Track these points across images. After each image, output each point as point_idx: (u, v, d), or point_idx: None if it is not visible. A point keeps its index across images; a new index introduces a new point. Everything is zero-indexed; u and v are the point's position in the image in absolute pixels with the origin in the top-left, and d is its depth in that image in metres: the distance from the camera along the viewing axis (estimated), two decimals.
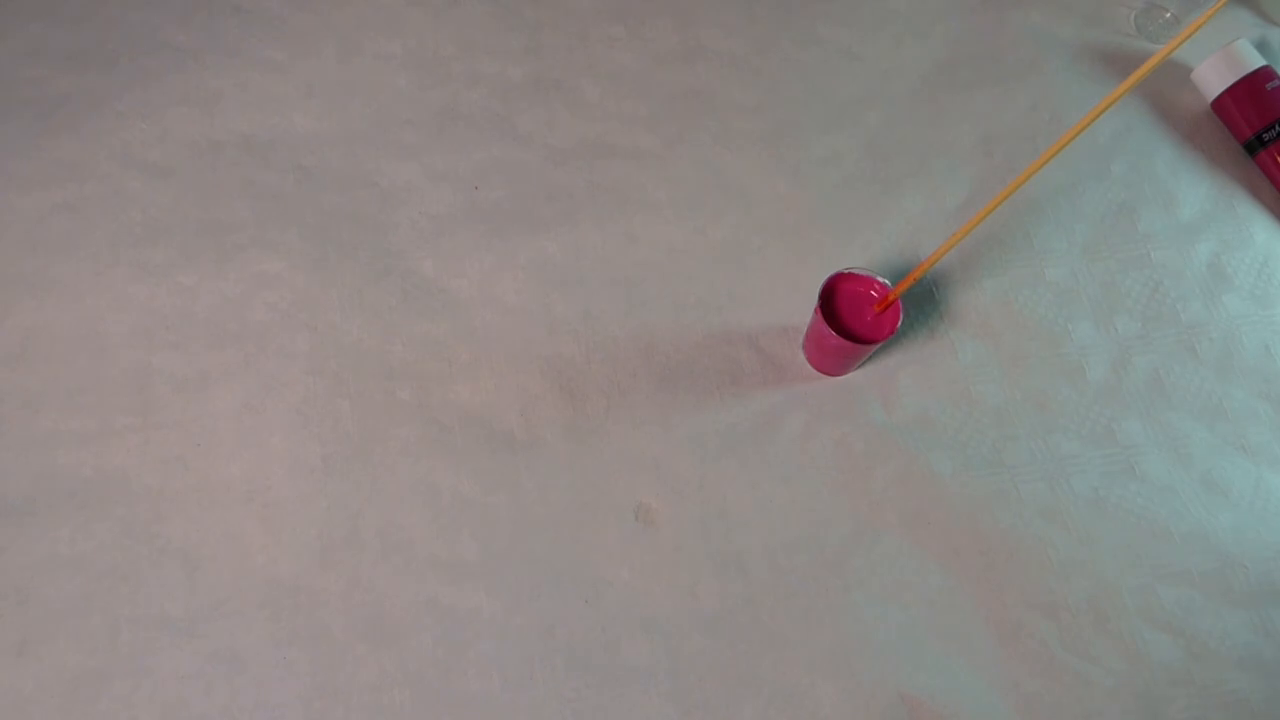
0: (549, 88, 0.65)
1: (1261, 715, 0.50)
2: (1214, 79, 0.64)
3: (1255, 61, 0.63)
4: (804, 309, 0.58)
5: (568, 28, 0.67)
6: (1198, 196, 0.63)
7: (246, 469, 0.53)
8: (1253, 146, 0.63)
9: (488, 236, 0.60)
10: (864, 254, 0.60)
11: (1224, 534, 0.54)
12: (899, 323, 0.50)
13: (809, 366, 0.57)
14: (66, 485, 0.53)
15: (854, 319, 0.51)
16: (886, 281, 0.51)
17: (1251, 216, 0.63)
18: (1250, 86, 0.62)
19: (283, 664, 0.49)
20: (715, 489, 0.54)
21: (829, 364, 0.55)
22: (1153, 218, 0.62)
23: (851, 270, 0.51)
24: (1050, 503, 0.54)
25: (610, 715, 0.49)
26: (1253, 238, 0.62)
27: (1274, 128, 0.62)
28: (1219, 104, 0.64)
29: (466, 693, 0.49)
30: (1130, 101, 0.66)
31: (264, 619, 0.50)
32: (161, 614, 0.50)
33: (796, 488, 0.54)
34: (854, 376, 0.57)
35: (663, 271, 0.59)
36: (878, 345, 0.51)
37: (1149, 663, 0.51)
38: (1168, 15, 0.67)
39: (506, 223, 0.60)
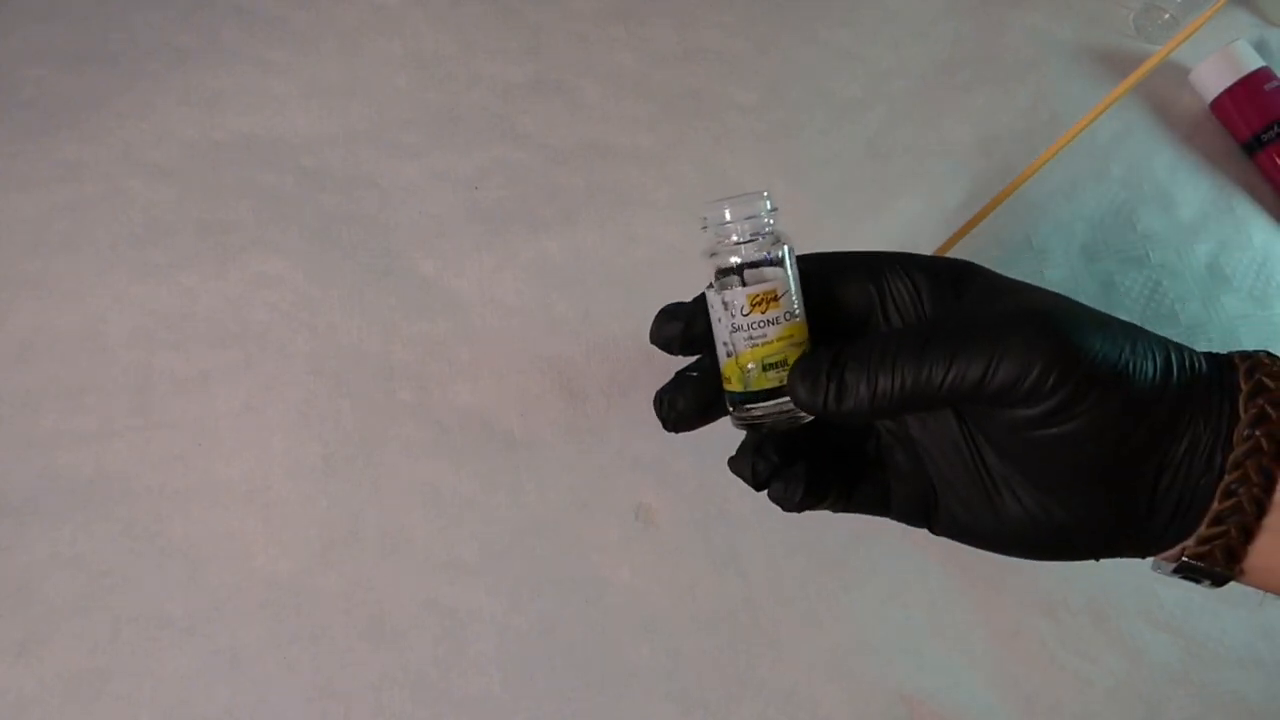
0: (549, 88, 0.65)
1: (1261, 715, 0.50)
2: (1213, 79, 0.64)
3: (1254, 62, 0.63)
4: None
5: (568, 28, 0.67)
6: (1197, 197, 0.63)
7: (247, 469, 0.53)
8: (1252, 147, 0.63)
9: (488, 236, 0.60)
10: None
11: None
12: None
13: None
14: (67, 485, 0.53)
15: None
16: None
17: (1250, 217, 0.63)
18: (1249, 87, 0.62)
19: (283, 664, 0.49)
20: (715, 489, 0.54)
21: None
22: (1152, 218, 0.62)
23: None
24: None
25: (610, 715, 0.49)
26: (1251, 238, 0.62)
27: (1273, 128, 0.62)
28: (1218, 104, 0.64)
29: (466, 693, 0.49)
30: (1129, 102, 0.66)
31: (264, 619, 0.50)
32: (162, 614, 0.50)
33: None
34: None
35: (663, 271, 0.59)
36: None
37: (1149, 663, 0.51)
38: (1167, 16, 0.67)
39: (506, 223, 0.60)
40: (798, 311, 0.27)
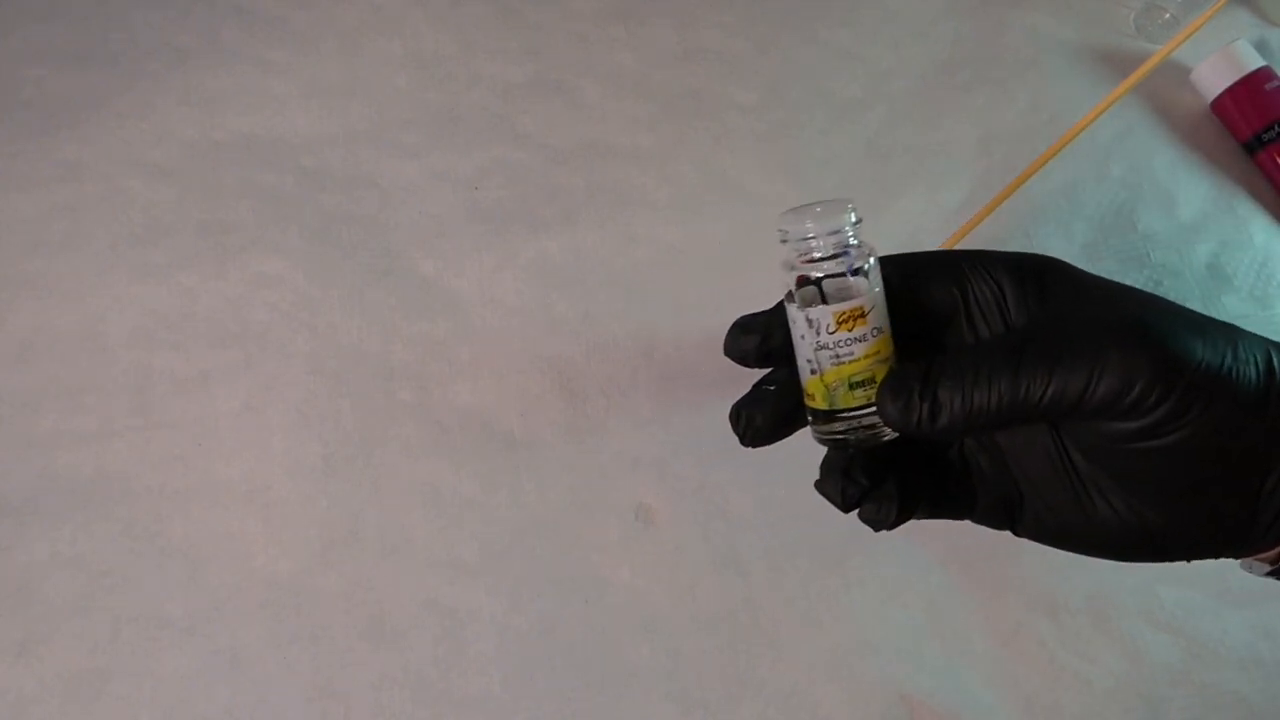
0: (549, 88, 0.65)
1: (1261, 715, 0.50)
2: (1214, 79, 0.64)
3: (1255, 62, 0.63)
4: None
5: (568, 28, 0.67)
6: (1197, 197, 0.63)
7: (247, 469, 0.53)
8: (1252, 146, 0.63)
9: (488, 236, 0.60)
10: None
11: None
12: None
13: None
14: (67, 485, 0.52)
15: None
16: None
17: (1251, 216, 0.63)
18: (1250, 87, 0.62)
19: (283, 664, 0.49)
20: (715, 489, 0.54)
21: None
22: (1152, 218, 0.62)
23: None
24: None
25: (610, 715, 0.49)
26: (1252, 238, 0.62)
27: (1274, 128, 0.62)
28: (1219, 104, 0.64)
29: (466, 693, 0.49)
30: (1130, 101, 0.66)
31: (264, 619, 0.50)
32: (162, 614, 0.50)
33: (796, 488, 0.54)
34: None
35: (663, 271, 0.59)
36: None
37: (1149, 663, 0.51)
38: (1167, 15, 0.67)
39: (506, 223, 0.60)
40: (884, 326, 0.26)
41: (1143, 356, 0.22)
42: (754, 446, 0.29)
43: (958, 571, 0.52)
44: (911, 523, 0.57)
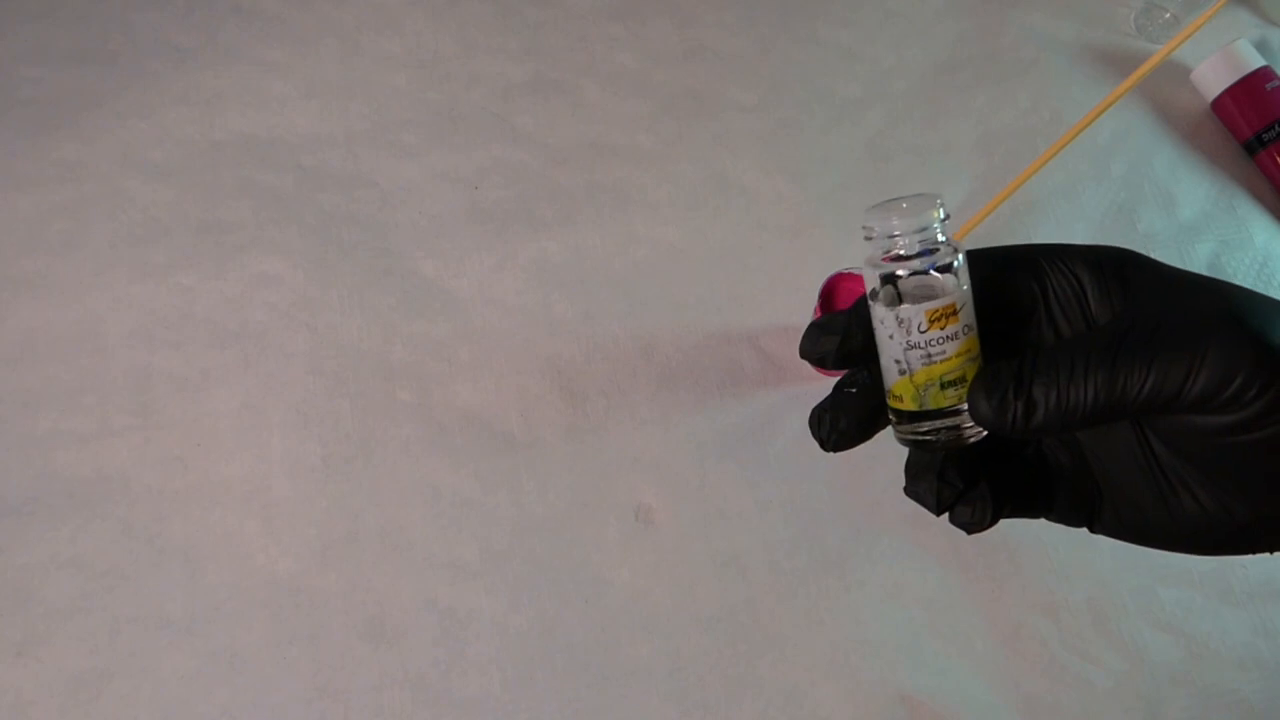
0: (549, 88, 0.65)
1: (1261, 715, 0.50)
2: (1214, 79, 0.64)
3: (1255, 61, 0.63)
4: (804, 309, 0.58)
5: (568, 28, 0.67)
6: (1197, 197, 0.63)
7: (246, 469, 0.53)
8: (1253, 146, 0.63)
9: (488, 236, 0.60)
10: (864, 254, 0.60)
11: None
12: None
13: (809, 367, 0.57)
14: (66, 485, 0.52)
15: None
16: None
17: (1251, 216, 0.63)
18: (1250, 86, 0.62)
19: (283, 664, 0.49)
20: (715, 489, 0.54)
21: None
22: (1152, 218, 0.62)
23: (851, 270, 0.51)
24: None
25: (610, 715, 0.49)
26: (1252, 238, 0.62)
27: (1274, 128, 0.62)
28: (1219, 104, 0.64)
29: (466, 693, 0.49)
30: (1130, 101, 0.66)
31: (264, 619, 0.50)
32: (161, 614, 0.50)
33: (796, 488, 0.54)
34: None
35: (663, 271, 0.59)
36: None
37: (1149, 663, 0.51)
38: (1168, 15, 0.67)
39: (506, 223, 0.60)
40: (973, 324, 0.26)
41: (1242, 348, 0.22)
42: (836, 451, 0.28)
43: (958, 571, 0.52)
44: (911, 522, 0.57)
